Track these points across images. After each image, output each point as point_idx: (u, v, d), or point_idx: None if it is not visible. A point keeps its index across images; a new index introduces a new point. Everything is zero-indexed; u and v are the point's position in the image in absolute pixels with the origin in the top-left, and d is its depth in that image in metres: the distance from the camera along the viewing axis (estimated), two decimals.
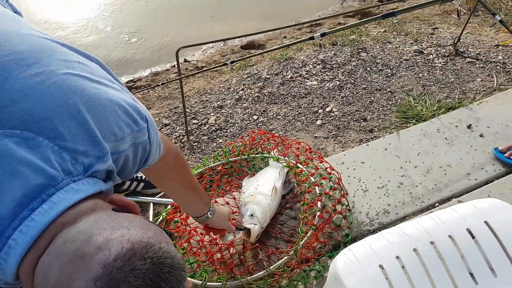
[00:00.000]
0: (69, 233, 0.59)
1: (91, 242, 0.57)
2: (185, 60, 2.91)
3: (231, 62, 1.62)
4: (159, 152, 0.89)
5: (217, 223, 1.29)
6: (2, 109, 0.60)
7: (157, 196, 1.72)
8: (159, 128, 2.13)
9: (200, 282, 1.31)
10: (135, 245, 0.56)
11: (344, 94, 2.21)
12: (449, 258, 0.88)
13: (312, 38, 1.61)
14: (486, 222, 0.93)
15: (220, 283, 1.29)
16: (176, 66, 2.18)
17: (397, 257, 0.86)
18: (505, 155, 1.68)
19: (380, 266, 0.84)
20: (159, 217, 1.59)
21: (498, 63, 2.33)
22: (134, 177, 1.73)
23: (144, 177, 1.75)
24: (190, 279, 1.33)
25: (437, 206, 1.56)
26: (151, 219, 1.60)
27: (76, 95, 0.66)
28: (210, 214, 1.25)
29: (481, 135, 1.83)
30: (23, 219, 0.58)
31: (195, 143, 2.01)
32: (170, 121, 2.17)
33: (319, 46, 2.63)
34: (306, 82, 2.33)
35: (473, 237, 0.91)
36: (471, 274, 0.88)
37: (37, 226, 0.59)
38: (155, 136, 0.83)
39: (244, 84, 2.35)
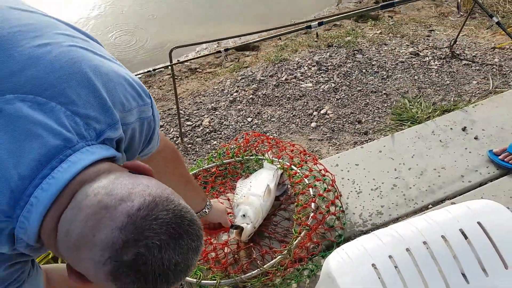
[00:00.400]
0: (90, 188, 0.60)
1: (113, 195, 0.58)
2: (179, 61, 2.90)
3: (225, 50, 1.61)
4: (158, 141, 0.90)
5: (214, 218, 1.30)
6: (12, 75, 0.61)
7: None
8: None
9: (195, 280, 1.31)
10: (157, 198, 0.59)
11: (339, 96, 2.21)
12: (442, 258, 0.87)
13: (309, 27, 1.61)
14: (479, 223, 0.92)
15: (215, 281, 1.28)
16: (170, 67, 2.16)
17: (390, 257, 0.85)
18: (500, 157, 1.68)
19: (373, 265, 0.83)
20: None
21: (494, 66, 2.34)
22: None
23: None
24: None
25: (430, 207, 1.55)
26: None
27: (84, 64, 0.67)
28: (207, 209, 1.25)
29: (476, 138, 1.82)
30: (43, 178, 0.60)
31: (189, 145, 2.00)
32: (164, 122, 2.16)
33: (315, 47, 2.64)
34: (301, 84, 2.32)
35: (466, 237, 0.90)
36: (463, 274, 0.87)
37: (58, 183, 0.60)
38: (158, 115, 0.84)
39: (238, 86, 2.35)
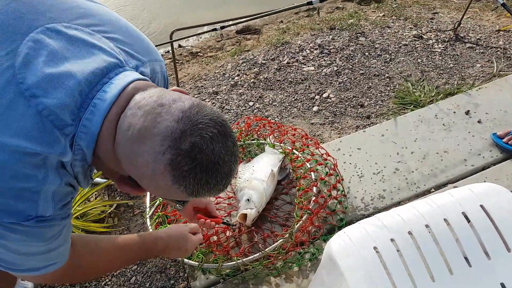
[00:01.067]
0: (145, 93, 0.69)
1: (166, 97, 0.67)
2: (180, 46, 2.87)
3: (221, 28, 1.60)
4: None
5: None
6: (67, 10, 0.73)
7: None
8: None
9: (197, 263, 1.32)
10: (201, 103, 0.68)
11: (341, 80, 2.18)
12: (444, 241, 0.87)
13: (310, 3, 1.58)
14: (481, 206, 0.92)
15: (217, 264, 1.29)
16: (170, 51, 2.14)
17: (392, 240, 0.85)
18: (503, 140, 1.67)
19: (375, 248, 0.83)
20: (156, 201, 1.58)
21: (498, 49, 2.31)
22: None
23: None
24: (187, 260, 1.34)
25: (433, 191, 1.55)
26: (147, 203, 1.59)
27: (116, 15, 0.83)
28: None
29: (479, 121, 1.81)
30: (103, 84, 0.69)
31: None
32: None
33: (317, 30, 2.59)
34: (303, 67, 2.30)
35: (468, 221, 0.90)
36: (466, 258, 0.88)
37: (117, 87, 0.69)
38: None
39: (239, 70, 2.32)
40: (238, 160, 0.72)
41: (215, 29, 1.60)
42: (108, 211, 1.61)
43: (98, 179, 1.69)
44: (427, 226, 0.88)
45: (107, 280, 1.43)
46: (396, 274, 0.82)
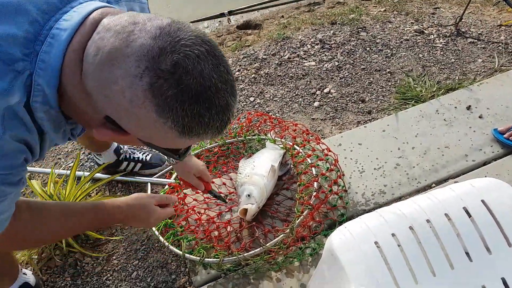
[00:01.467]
0: (114, 16, 0.58)
1: (139, 16, 0.56)
2: None
3: (229, 12, 1.56)
4: None
5: (183, 172, 1.29)
6: None
7: (154, 176, 1.71)
8: None
9: (198, 258, 1.32)
10: (183, 21, 0.57)
11: (342, 75, 2.18)
12: (445, 236, 0.87)
13: None
14: (482, 201, 0.92)
15: (218, 259, 1.30)
16: None
17: (393, 235, 0.85)
18: (504, 136, 1.66)
19: (376, 243, 0.83)
20: None
21: (500, 44, 2.30)
22: (131, 157, 1.72)
23: (141, 157, 1.74)
24: (188, 255, 1.34)
25: (434, 187, 1.55)
26: None
27: None
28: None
29: (480, 117, 1.81)
30: (64, 13, 0.59)
31: None
32: None
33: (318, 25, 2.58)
34: (304, 62, 2.29)
35: (469, 215, 0.90)
36: (467, 253, 0.88)
37: (79, 15, 0.58)
38: None
39: (240, 65, 2.32)
40: (236, 95, 0.61)
41: (222, 14, 1.56)
42: None
43: (99, 175, 1.69)
44: (428, 221, 0.88)
45: (108, 275, 1.43)
46: (397, 269, 0.82)
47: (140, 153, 1.76)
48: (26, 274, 1.31)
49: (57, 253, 1.48)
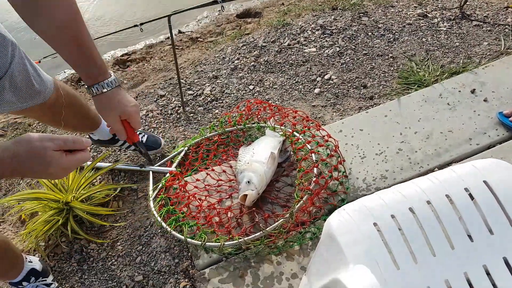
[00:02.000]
0: None
1: None
2: (179, 32, 2.84)
3: (223, 0, 1.50)
4: None
5: (111, 105, 1.08)
6: None
7: (156, 165, 1.70)
8: (155, 99, 2.09)
9: (200, 242, 1.33)
10: None
11: (344, 61, 2.14)
12: (446, 217, 0.85)
13: None
14: (485, 182, 0.89)
15: (219, 243, 1.29)
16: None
17: (392, 216, 0.83)
18: (510, 119, 1.63)
19: (375, 224, 0.82)
20: (159, 184, 1.58)
21: (506, 26, 2.24)
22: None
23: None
24: (190, 239, 1.34)
25: (436, 171, 1.52)
26: (151, 186, 1.60)
27: None
28: (105, 87, 1.04)
29: (485, 100, 1.77)
30: None
31: (191, 114, 1.98)
32: (165, 92, 2.12)
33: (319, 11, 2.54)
34: (304, 49, 2.26)
35: (471, 197, 0.88)
36: (469, 236, 0.86)
37: None
38: None
39: (239, 53, 2.29)
40: None
41: (215, 2, 1.51)
42: (113, 195, 1.62)
43: (100, 164, 1.69)
44: (428, 202, 0.86)
45: (113, 260, 1.44)
46: (396, 249, 0.80)
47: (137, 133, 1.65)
48: (32, 262, 1.33)
49: (63, 240, 1.50)
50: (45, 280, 1.34)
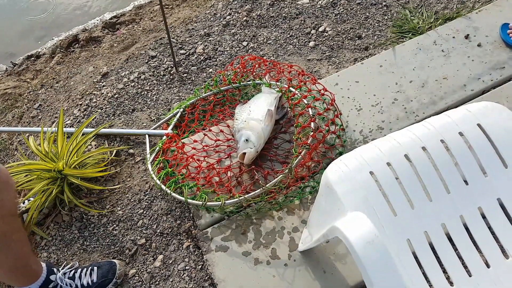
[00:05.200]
0: None
1: None
2: None
3: None
4: None
5: None
6: None
7: (151, 128, 1.71)
8: (146, 60, 2.05)
9: (201, 202, 1.35)
10: None
11: (337, 12, 2.09)
12: (440, 162, 0.87)
13: None
14: (478, 125, 0.91)
15: (220, 202, 1.32)
16: None
17: (388, 164, 0.86)
18: (508, 31, 1.68)
19: (371, 172, 0.84)
20: (156, 147, 1.59)
21: None
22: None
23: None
24: (191, 200, 1.37)
25: None
26: (147, 150, 1.60)
27: None
28: None
29: (479, 45, 1.75)
30: None
31: (185, 74, 1.95)
32: (156, 52, 2.08)
33: None
34: (297, 1, 2.19)
35: (466, 140, 0.90)
36: (464, 180, 0.88)
37: None
38: None
39: (231, 8, 2.22)
40: None
41: None
42: (109, 158, 1.62)
43: (88, 129, 1.67)
44: (423, 148, 0.88)
45: (114, 225, 1.48)
46: (393, 195, 0.83)
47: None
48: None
49: (63, 207, 1.51)
50: (64, 267, 1.32)
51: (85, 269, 1.32)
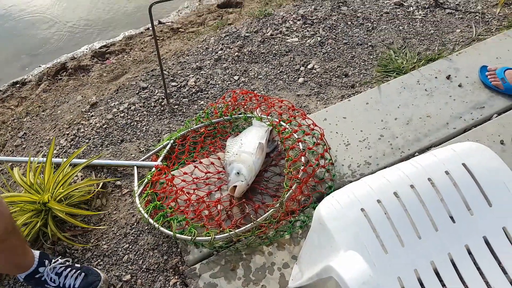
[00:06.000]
0: None
1: None
2: (160, 22, 2.80)
3: None
4: None
5: None
6: None
7: (140, 159, 1.71)
8: (137, 91, 2.08)
9: (190, 237, 1.33)
10: None
11: (325, 50, 2.18)
12: (428, 200, 0.90)
13: None
14: (463, 164, 0.95)
15: (209, 237, 1.31)
16: (150, 28, 2.08)
17: (378, 201, 0.88)
18: (486, 73, 1.77)
19: (362, 209, 0.86)
20: (144, 180, 1.58)
21: (477, 13, 2.32)
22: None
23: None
24: (179, 235, 1.36)
25: (417, 155, 1.59)
26: (136, 182, 1.59)
27: None
28: None
29: (460, 85, 1.85)
30: None
31: (176, 106, 1.98)
32: (148, 84, 2.11)
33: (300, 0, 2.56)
34: (287, 39, 2.28)
35: (452, 179, 0.93)
36: (451, 217, 0.91)
37: None
38: None
39: (222, 44, 2.29)
40: None
41: None
42: (95, 191, 1.60)
43: (76, 160, 1.66)
44: (412, 186, 0.91)
45: (98, 260, 1.44)
46: (383, 233, 0.85)
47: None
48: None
49: (46, 240, 1.47)
50: (58, 260, 1.35)
51: (74, 270, 1.33)
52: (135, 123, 1.92)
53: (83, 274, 1.33)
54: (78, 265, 1.36)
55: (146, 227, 1.50)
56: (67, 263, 1.35)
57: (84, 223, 1.53)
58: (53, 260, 1.33)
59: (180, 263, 1.39)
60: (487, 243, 0.92)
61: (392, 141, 1.64)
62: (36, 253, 1.31)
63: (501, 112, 1.72)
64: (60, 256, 1.40)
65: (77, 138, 1.88)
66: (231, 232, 1.33)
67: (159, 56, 1.78)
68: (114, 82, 2.26)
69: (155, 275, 1.39)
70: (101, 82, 2.31)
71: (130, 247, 1.46)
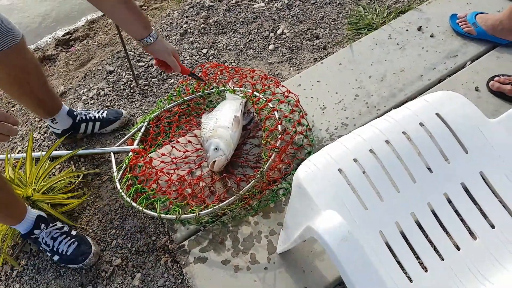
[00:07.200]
0: None
1: None
2: None
3: None
4: None
5: (160, 53, 1.34)
6: None
7: (116, 145, 1.66)
8: (105, 76, 2.00)
9: (174, 216, 1.32)
10: None
11: (293, 13, 2.12)
12: (404, 153, 0.89)
13: None
14: (437, 114, 0.94)
15: (194, 214, 1.30)
16: None
17: (355, 160, 0.87)
18: (457, 21, 1.75)
19: (339, 170, 0.85)
20: (122, 165, 1.55)
21: None
22: (88, 117, 1.69)
23: (97, 116, 1.71)
24: (164, 215, 1.34)
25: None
26: (114, 168, 1.56)
27: None
28: (150, 39, 1.29)
29: (431, 36, 1.83)
30: None
31: (146, 87, 1.91)
32: (114, 67, 2.03)
33: None
34: (253, 5, 2.20)
35: (426, 130, 0.93)
36: (428, 168, 0.91)
37: None
38: None
39: (187, 17, 2.20)
40: None
41: None
42: (76, 182, 1.57)
43: (57, 152, 1.62)
44: (387, 141, 0.90)
45: None
46: (362, 190, 0.84)
47: (95, 112, 1.74)
48: (35, 212, 1.37)
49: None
50: (56, 225, 1.37)
51: (69, 238, 1.36)
52: (106, 108, 1.85)
53: (76, 243, 1.35)
54: (75, 233, 1.39)
55: (131, 211, 1.49)
56: (65, 228, 1.38)
57: (68, 216, 1.49)
58: (50, 224, 1.36)
59: (168, 242, 1.38)
60: (465, 189, 0.92)
61: (368, 100, 1.63)
62: (33, 213, 1.34)
63: (474, 59, 1.72)
64: (58, 221, 1.41)
65: (50, 130, 1.81)
66: (215, 207, 1.32)
67: (121, 36, 1.70)
68: (81, 69, 2.17)
69: (145, 256, 1.38)
70: (68, 70, 2.21)
71: (117, 232, 1.45)
